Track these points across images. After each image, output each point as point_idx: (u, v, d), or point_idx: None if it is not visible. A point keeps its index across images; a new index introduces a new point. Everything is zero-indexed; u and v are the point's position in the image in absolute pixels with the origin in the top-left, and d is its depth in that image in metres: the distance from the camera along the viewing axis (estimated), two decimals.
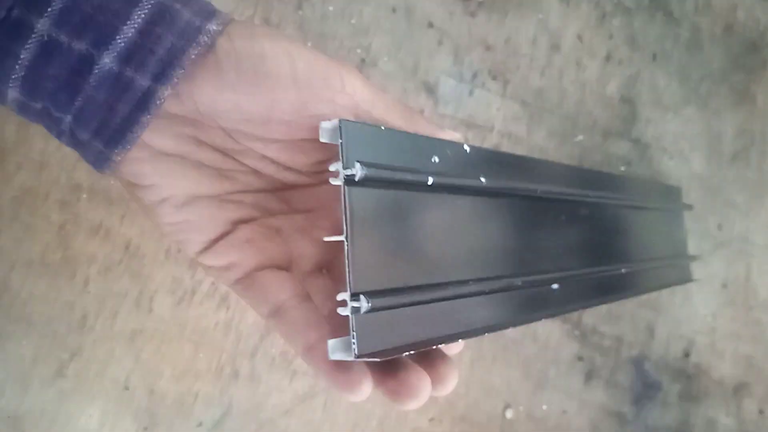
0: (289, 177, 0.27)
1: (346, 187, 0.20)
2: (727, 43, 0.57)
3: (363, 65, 0.44)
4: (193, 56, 0.21)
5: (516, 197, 0.29)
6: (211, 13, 0.22)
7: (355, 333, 0.19)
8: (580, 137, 0.51)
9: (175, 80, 0.21)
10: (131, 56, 0.21)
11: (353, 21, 0.44)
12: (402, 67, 0.46)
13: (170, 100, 0.22)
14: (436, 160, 0.24)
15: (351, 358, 0.20)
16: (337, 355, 0.20)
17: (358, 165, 0.20)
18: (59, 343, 0.35)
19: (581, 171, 0.38)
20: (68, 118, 0.22)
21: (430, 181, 0.23)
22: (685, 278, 0.51)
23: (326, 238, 0.21)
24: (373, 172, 0.21)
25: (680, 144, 0.55)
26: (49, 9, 0.20)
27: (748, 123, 0.58)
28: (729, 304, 0.56)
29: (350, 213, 0.20)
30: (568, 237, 0.35)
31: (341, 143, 0.20)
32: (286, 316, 0.25)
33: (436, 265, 0.24)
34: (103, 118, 0.21)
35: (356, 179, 0.20)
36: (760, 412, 0.57)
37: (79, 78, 0.21)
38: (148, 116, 0.21)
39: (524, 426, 0.47)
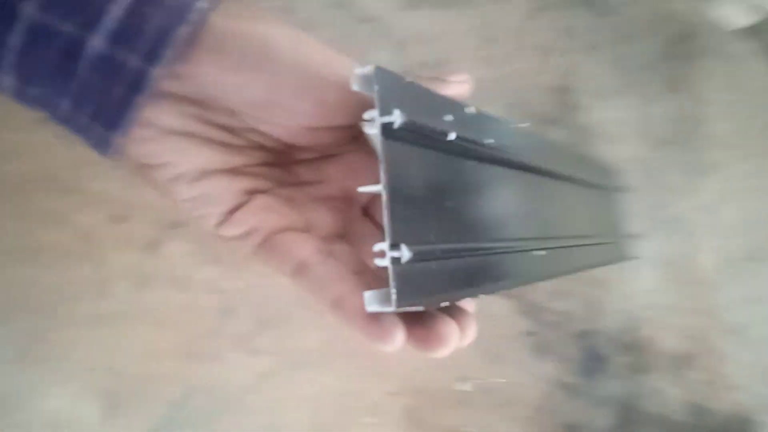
0: (296, 152, 0.28)
1: (383, 135, 0.19)
2: (663, 33, 0.61)
3: None
4: (183, 35, 0.21)
5: (504, 165, 0.30)
6: None
7: (395, 283, 0.19)
8: (526, 123, 0.53)
9: (167, 60, 0.21)
10: (121, 37, 0.20)
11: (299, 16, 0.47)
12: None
13: (172, 81, 0.22)
14: (450, 118, 0.24)
15: (390, 309, 0.19)
16: (374, 307, 0.20)
17: (397, 112, 0.19)
18: (22, 329, 0.37)
19: (539, 139, 0.37)
20: (66, 102, 0.22)
21: (452, 136, 0.23)
22: (628, 256, 0.54)
23: (362, 188, 0.20)
24: (409, 122, 0.20)
25: (619, 129, 0.58)
26: None
27: (683, 108, 0.61)
28: (672, 279, 0.59)
29: (387, 162, 0.19)
30: (527, 205, 0.36)
31: (377, 89, 0.19)
32: (311, 271, 0.25)
33: (458, 220, 0.24)
34: (100, 101, 0.21)
35: (394, 126, 0.19)
36: (706, 382, 0.60)
37: (71, 61, 0.20)
38: (142, 97, 0.21)
39: (480, 398, 0.49)
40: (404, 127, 0.20)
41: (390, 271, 0.19)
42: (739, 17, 0.85)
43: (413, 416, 0.46)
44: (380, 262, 0.19)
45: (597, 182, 0.47)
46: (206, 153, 0.24)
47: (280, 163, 0.28)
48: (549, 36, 0.55)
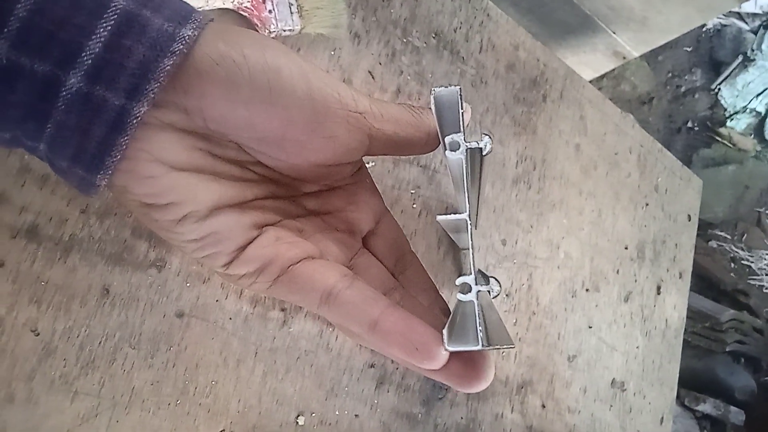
0: (302, 184, 0.27)
1: (467, 159, 0.19)
2: (510, 80, 0.65)
3: None
4: (168, 67, 0.19)
5: None
6: (185, 17, 0.20)
7: (481, 321, 0.19)
8: (372, 164, 0.55)
9: (152, 96, 0.19)
10: (100, 73, 0.19)
11: None
12: None
13: (178, 116, 0.20)
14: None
15: (476, 348, 0.19)
16: (456, 346, 0.19)
17: (487, 138, 0.19)
18: None
19: None
20: (42, 146, 0.20)
21: (486, 150, 0.24)
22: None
23: (441, 218, 0.19)
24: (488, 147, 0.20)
25: None
26: (6, 30, 0.18)
27: (529, 150, 0.66)
28: (513, 311, 0.63)
29: (468, 187, 0.19)
30: None
31: (461, 113, 0.19)
32: (340, 297, 0.24)
33: None
34: (79, 144, 0.19)
35: (483, 153, 0.19)
36: (543, 406, 0.64)
37: (47, 103, 0.19)
38: (126, 137, 0.19)
39: (317, 431, 0.50)
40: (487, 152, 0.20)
41: (475, 307, 0.19)
42: (601, 63, 0.92)
43: None
44: (463, 297, 0.19)
45: None
46: (214, 188, 0.23)
47: (287, 195, 0.27)
48: (402, 80, 0.57)
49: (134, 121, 0.19)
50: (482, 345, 0.19)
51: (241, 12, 0.48)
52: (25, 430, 0.39)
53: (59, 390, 0.41)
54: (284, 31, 0.50)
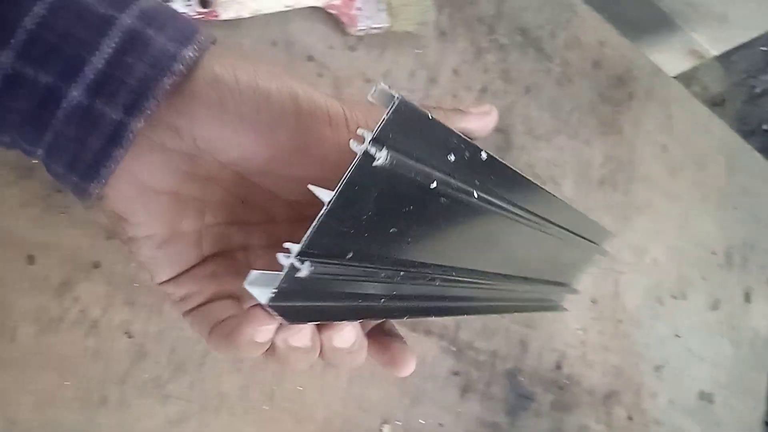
0: (278, 210, 0.27)
1: (359, 161, 0.18)
2: (596, 77, 0.62)
3: None
4: (167, 86, 0.20)
5: (497, 212, 0.29)
6: (188, 37, 0.21)
7: (281, 284, 0.18)
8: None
9: (148, 113, 0.20)
10: (101, 88, 0.19)
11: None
12: None
13: (168, 135, 0.21)
14: (452, 158, 0.22)
15: (262, 300, 0.18)
16: (253, 289, 0.19)
17: (384, 152, 0.18)
18: None
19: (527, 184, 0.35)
20: (40, 152, 0.21)
21: (434, 185, 0.22)
22: (558, 308, 0.54)
23: (312, 187, 0.19)
24: (394, 162, 0.19)
25: (552, 170, 0.59)
26: (12, 40, 0.19)
27: (614, 150, 0.63)
28: (598, 318, 0.60)
29: (346, 185, 0.18)
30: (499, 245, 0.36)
31: (384, 119, 0.18)
32: (224, 324, 0.24)
33: (391, 246, 0.23)
34: (75, 153, 0.20)
35: (374, 164, 0.18)
36: (629, 418, 0.61)
37: (47, 112, 0.20)
38: (122, 150, 0.20)
39: None
40: (385, 167, 0.19)
41: (283, 271, 0.18)
42: (676, 62, 0.88)
43: None
44: (280, 259, 0.18)
45: (564, 236, 0.44)
46: (183, 212, 0.23)
47: (257, 221, 0.27)
48: (487, 78, 0.55)
49: (130, 135, 0.20)
50: (265, 300, 0.18)
51: (330, 10, 0.47)
52: None
53: (151, 393, 0.40)
54: (372, 28, 0.49)
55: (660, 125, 0.66)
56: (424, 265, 0.27)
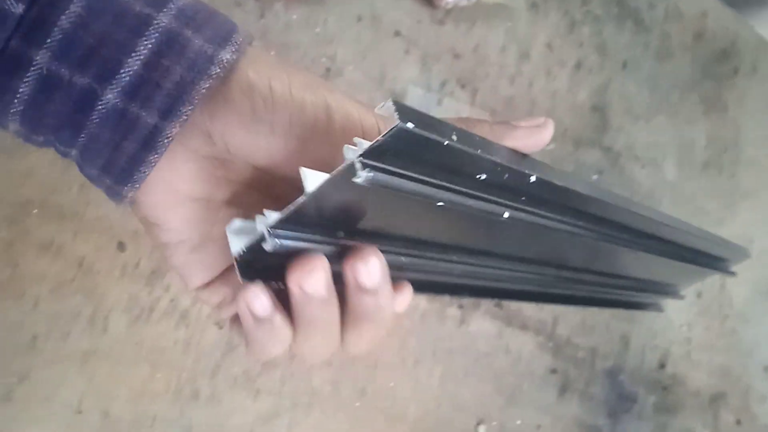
0: None
1: (341, 173, 0.19)
2: (697, 51, 0.57)
3: (328, 74, 0.44)
4: (203, 90, 0.20)
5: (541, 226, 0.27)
6: (226, 38, 0.20)
7: (255, 241, 0.19)
8: (551, 146, 0.50)
9: (184, 118, 0.20)
10: (137, 91, 0.19)
11: (317, 30, 0.43)
12: (368, 76, 0.45)
13: (202, 140, 0.21)
14: (483, 177, 0.22)
15: (234, 249, 0.20)
16: (231, 230, 0.20)
17: (364, 174, 0.18)
18: (6, 367, 0.34)
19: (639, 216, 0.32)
20: (74, 153, 0.21)
21: (440, 203, 0.22)
22: (658, 308, 0.50)
23: (302, 170, 0.19)
24: (377, 182, 0.19)
25: (652, 152, 0.55)
26: (49, 40, 0.18)
27: (719, 130, 0.58)
28: (704, 313, 0.56)
29: (325, 185, 0.19)
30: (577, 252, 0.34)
31: (380, 139, 0.18)
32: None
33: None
34: (109, 157, 0.20)
35: (352, 179, 0.19)
36: (737, 422, 0.56)
37: (82, 115, 0.19)
38: (156, 156, 0.20)
39: None
40: (371, 182, 0.19)
41: (259, 232, 0.19)
42: None
43: None
44: (258, 220, 0.19)
45: (687, 255, 0.40)
46: (216, 219, 0.23)
47: None
48: (582, 53, 0.51)
49: (165, 141, 0.20)
50: (235, 252, 0.20)
51: None
52: (211, 428, 0.37)
53: (242, 387, 0.38)
54: (461, 1, 0.46)
55: (766, 104, 0.60)
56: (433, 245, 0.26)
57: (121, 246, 0.36)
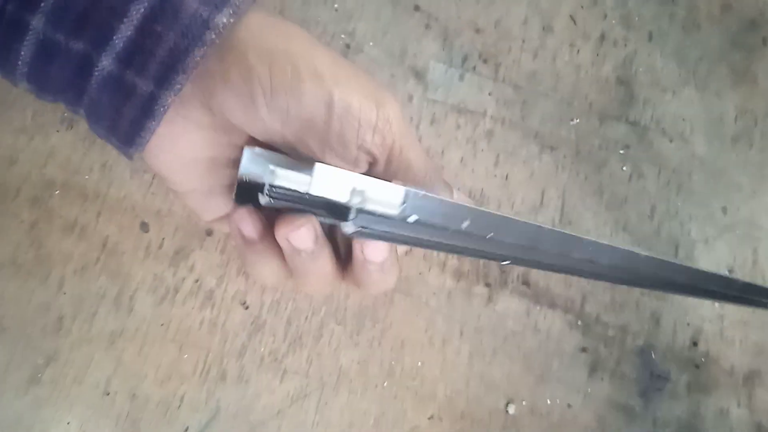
0: None
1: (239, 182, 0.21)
2: (725, 22, 0.55)
3: (348, 51, 0.43)
4: (197, 58, 0.19)
5: None
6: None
7: (253, 183, 0.21)
8: (576, 120, 0.49)
9: (179, 87, 0.19)
10: (131, 58, 0.19)
11: (336, 5, 0.43)
12: (389, 52, 0.44)
13: (203, 113, 0.21)
14: (414, 219, 0.22)
15: (241, 171, 0.21)
16: (249, 153, 0.21)
17: (264, 198, 0.20)
18: (33, 348, 0.34)
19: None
20: (81, 112, 0.21)
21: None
22: None
23: (246, 149, 0.21)
24: (272, 204, 0.21)
25: (680, 126, 0.53)
26: (42, 4, 0.19)
27: (749, 103, 0.56)
28: None
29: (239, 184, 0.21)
30: None
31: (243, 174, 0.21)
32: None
33: None
34: (113, 120, 0.20)
35: (254, 201, 0.20)
36: None
37: (82, 79, 0.20)
38: (154, 122, 0.20)
39: (527, 421, 0.45)
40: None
41: (261, 182, 0.21)
42: None
43: None
44: (267, 169, 0.21)
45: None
46: (222, 173, 0.24)
47: None
48: (606, 25, 0.50)
49: (162, 109, 0.19)
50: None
51: None
52: (239, 409, 0.37)
53: (269, 368, 0.38)
54: None
55: None
56: None
57: (144, 226, 0.36)
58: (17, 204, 0.34)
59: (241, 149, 0.22)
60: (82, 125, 0.36)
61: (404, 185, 0.21)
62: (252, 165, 0.21)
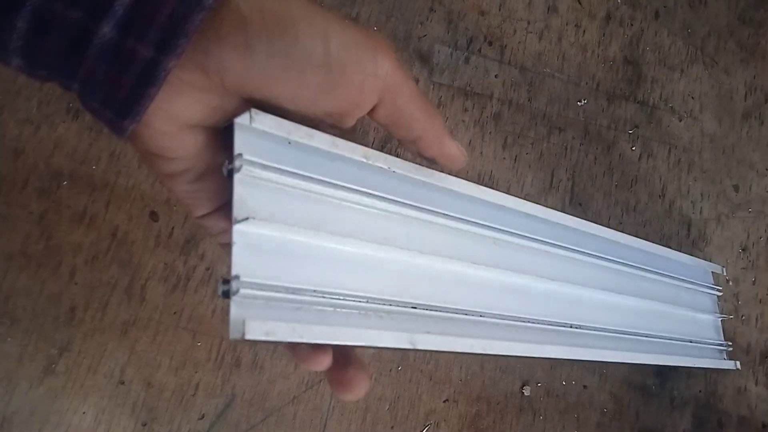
0: None
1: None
2: None
3: None
4: (198, 22, 0.19)
5: None
6: None
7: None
8: (584, 101, 0.48)
9: (180, 51, 0.19)
10: (131, 25, 0.19)
11: None
12: (393, 36, 0.44)
13: (198, 75, 0.21)
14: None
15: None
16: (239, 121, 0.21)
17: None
18: (47, 339, 0.33)
19: None
20: (75, 86, 0.21)
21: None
22: None
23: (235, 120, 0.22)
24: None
25: (689, 104, 0.53)
26: None
27: (759, 79, 0.56)
28: (751, 267, 0.54)
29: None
30: None
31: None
32: None
33: None
34: (108, 90, 0.20)
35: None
36: None
37: (79, 49, 0.19)
38: (155, 88, 0.20)
39: (544, 403, 0.45)
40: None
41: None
42: None
43: (471, 425, 0.42)
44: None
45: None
46: (219, 146, 0.23)
47: None
48: (612, 4, 0.50)
49: (163, 74, 0.19)
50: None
51: None
52: (255, 396, 0.37)
53: (283, 354, 0.38)
54: None
55: None
56: None
57: (153, 215, 0.36)
58: (25, 195, 0.34)
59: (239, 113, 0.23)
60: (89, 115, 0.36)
61: None
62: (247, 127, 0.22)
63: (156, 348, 0.35)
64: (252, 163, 0.22)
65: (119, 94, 0.20)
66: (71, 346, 0.34)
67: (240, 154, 0.22)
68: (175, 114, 0.21)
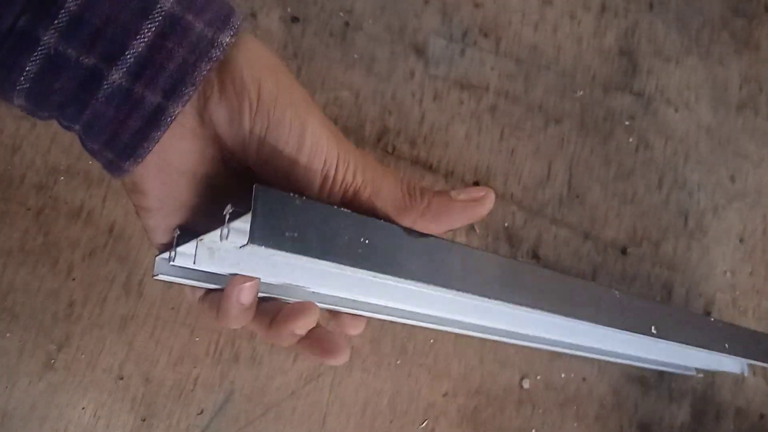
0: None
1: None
2: None
3: (347, 29, 0.43)
4: (205, 72, 0.21)
5: None
6: (225, 21, 0.21)
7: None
8: (580, 92, 0.48)
9: (187, 98, 0.21)
10: (141, 72, 0.20)
11: None
12: (388, 29, 0.44)
13: (196, 122, 0.22)
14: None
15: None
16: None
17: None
18: (46, 334, 0.33)
19: None
20: (77, 128, 0.21)
21: None
22: None
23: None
24: None
25: (685, 95, 0.53)
26: (56, 21, 0.19)
27: (753, 69, 0.56)
28: (747, 258, 0.54)
29: None
30: None
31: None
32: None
33: None
34: (113, 132, 0.21)
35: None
36: None
37: (87, 93, 0.20)
38: (159, 133, 0.21)
39: (543, 396, 0.45)
40: None
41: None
42: None
43: (471, 419, 0.42)
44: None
45: None
46: (196, 191, 0.25)
47: None
48: None
49: (169, 119, 0.21)
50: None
51: None
52: (253, 390, 0.37)
53: (281, 349, 0.38)
54: None
55: None
56: None
57: None
58: (22, 191, 0.34)
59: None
60: None
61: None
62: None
63: (154, 343, 0.35)
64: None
65: (123, 136, 0.21)
66: (70, 342, 0.34)
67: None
68: (169, 160, 0.23)
